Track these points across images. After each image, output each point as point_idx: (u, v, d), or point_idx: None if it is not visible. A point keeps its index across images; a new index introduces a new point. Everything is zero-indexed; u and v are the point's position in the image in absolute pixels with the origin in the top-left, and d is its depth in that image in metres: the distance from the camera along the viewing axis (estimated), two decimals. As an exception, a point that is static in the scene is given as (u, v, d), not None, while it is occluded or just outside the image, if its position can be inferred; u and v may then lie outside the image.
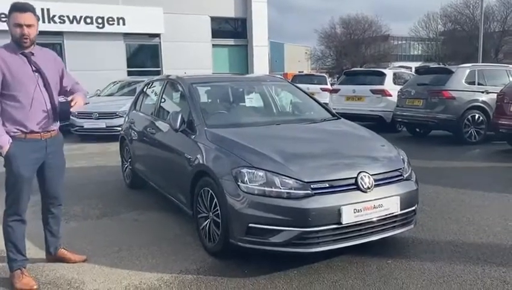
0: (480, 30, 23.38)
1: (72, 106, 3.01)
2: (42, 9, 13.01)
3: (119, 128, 9.53)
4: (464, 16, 41.91)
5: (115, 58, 14.51)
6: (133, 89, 11.61)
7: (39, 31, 2.97)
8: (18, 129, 2.89)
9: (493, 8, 39.09)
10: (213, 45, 16.35)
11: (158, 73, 14.62)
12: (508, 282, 2.97)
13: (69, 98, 3.11)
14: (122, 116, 9.69)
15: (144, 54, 15.82)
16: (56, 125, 3.09)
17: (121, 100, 10.46)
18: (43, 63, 2.98)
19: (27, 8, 2.87)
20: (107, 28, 14.32)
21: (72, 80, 3.28)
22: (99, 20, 14.18)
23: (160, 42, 15.41)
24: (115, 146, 8.97)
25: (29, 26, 2.85)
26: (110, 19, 14.33)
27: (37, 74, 2.93)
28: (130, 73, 14.70)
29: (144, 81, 11.60)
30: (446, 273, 3.12)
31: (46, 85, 2.96)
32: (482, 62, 19.28)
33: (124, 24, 14.49)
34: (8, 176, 2.91)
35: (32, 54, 2.94)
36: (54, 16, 13.61)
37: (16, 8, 2.85)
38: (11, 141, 2.85)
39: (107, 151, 8.66)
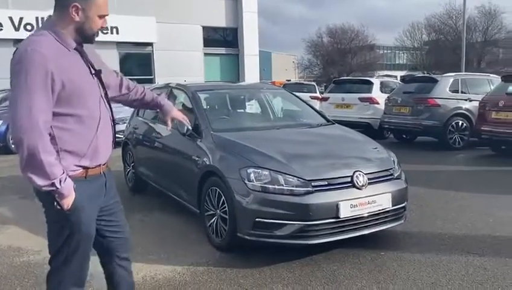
0: (462, 40, 24.10)
1: None
2: (37, 18, 13.17)
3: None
4: (447, 26, 43.03)
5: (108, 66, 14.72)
6: (128, 97, 11.84)
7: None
8: (80, 165, 1.93)
9: (475, 19, 40.27)
10: (205, 53, 16.72)
11: (151, 81, 14.88)
12: (487, 269, 3.31)
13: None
14: (118, 123, 9.91)
15: (136, 63, 16.10)
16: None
17: (116, 108, 10.61)
18: (95, 61, 2.05)
19: None
20: (101, 37, 13.92)
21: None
22: (93, 29, 14.40)
23: (152, 51, 15.73)
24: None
25: None
26: (104, 28, 14.50)
27: (96, 78, 2.01)
28: (122, 81, 14.91)
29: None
30: (434, 262, 3.45)
31: (106, 95, 2.07)
32: (465, 71, 19.91)
33: (117, 33, 14.79)
34: (69, 236, 1.95)
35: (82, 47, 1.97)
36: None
37: None
38: (74, 185, 1.89)
39: (104, 157, 8.83)
